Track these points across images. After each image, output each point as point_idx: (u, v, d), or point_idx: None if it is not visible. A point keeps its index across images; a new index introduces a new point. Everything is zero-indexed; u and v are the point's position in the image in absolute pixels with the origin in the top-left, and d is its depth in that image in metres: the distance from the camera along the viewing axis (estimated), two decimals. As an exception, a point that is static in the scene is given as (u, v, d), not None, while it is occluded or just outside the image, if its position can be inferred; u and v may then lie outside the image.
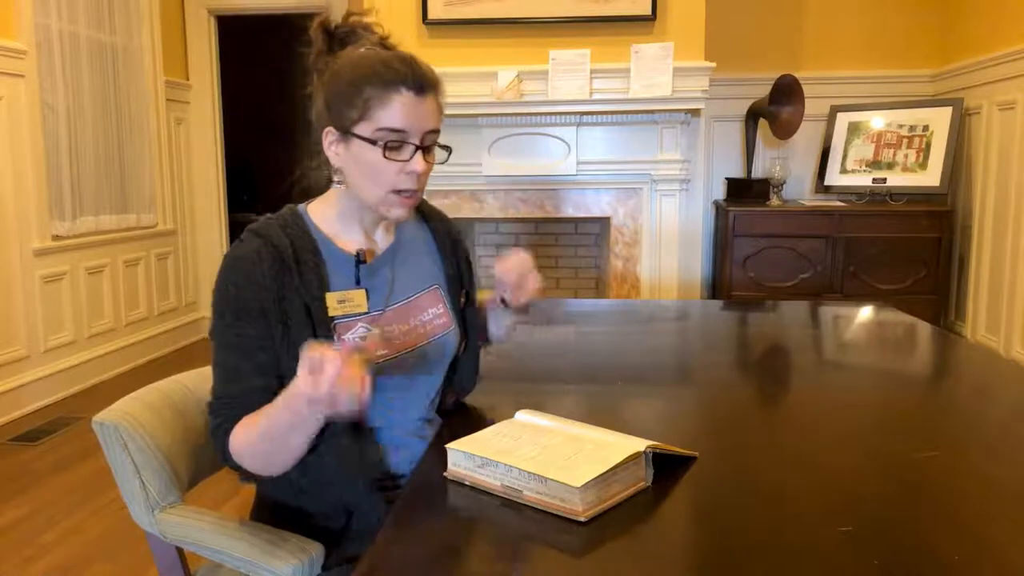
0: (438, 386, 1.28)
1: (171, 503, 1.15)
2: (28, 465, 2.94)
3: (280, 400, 1.00)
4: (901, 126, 4.08)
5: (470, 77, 3.55)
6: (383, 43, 1.20)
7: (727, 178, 4.36)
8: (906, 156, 4.04)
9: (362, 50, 1.17)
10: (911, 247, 3.86)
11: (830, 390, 1.49)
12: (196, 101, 4.88)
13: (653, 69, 3.56)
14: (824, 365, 1.72)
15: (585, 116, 3.68)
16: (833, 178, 4.23)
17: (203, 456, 1.26)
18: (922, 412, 1.37)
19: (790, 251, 3.93)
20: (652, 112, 3.62)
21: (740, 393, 1.51)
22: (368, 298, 1.17)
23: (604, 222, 3.94)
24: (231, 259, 1.13)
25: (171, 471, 1.16)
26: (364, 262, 1.18)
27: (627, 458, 0.95)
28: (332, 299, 1.14)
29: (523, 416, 1.13)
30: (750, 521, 0.91)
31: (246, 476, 1.09)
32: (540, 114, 3.67)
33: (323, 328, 1.12)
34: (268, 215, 1.18)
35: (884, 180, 4.05)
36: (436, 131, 1.15)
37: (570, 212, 3.84)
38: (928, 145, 3.98)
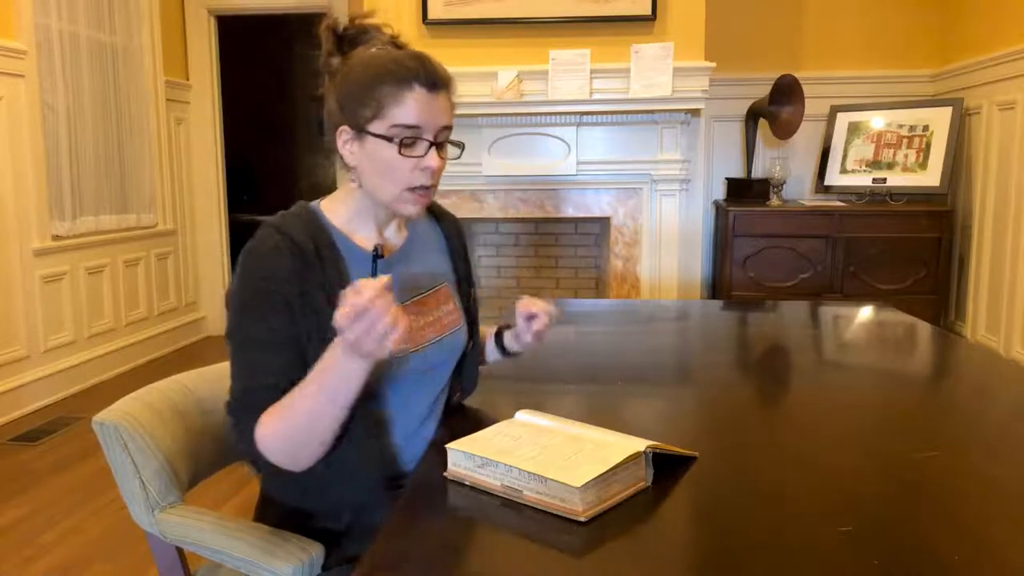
0: (445, 384, 1.29)
1: (171, 503, 1.15)
2: (28, 465, 2.94)
3: (314, 369, 1.01)
4: (901, 126, 4.08)
5: (470, 77, 3.55)
6: (394, 43, 1.21)
7: (727, 178, 4.36)
8: (906, 156, 4.04)
9: (373, 50, 1.18)
10: (911, 247, 3.86)
11: (830, 390, 1.49)
12: (196, 101, 4.88)
13: (653, 69, 3.56)
14: (824, 365, 1.72)
15: (585, 116, 3.68)
16: (833, 178, 4.23)
17: (203, 456, 1.26)
18: (922, 412, 1.37)
19: (790, 251, 3.93)
20: (652, 112, 3.62)
21: (740, 393, 1.51)
22: None
23: (604, 222, 3.94)
24: (252, 253, 1.12)
25: (171, 471, 1.16)
26: (382, 257, 1.19)
27: (627, 458, 0.95)
28: None
29: (523, 416, 1.14)
30: (750, 521, 0.91)
31: (266, 469, 1.07)
32: (540, 114, 3.67)
33: None
34: (282, 211, 1.19)
35: (884, 180, 4.05)
36: (449, 127, 1.16)
37: (570, 212, 3.84)
38: (928, 145, 3.98)
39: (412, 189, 1.14)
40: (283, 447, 1.05)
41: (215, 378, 1.33)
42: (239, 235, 5.15)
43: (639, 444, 0.98)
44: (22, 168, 3.47)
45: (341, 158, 1.19)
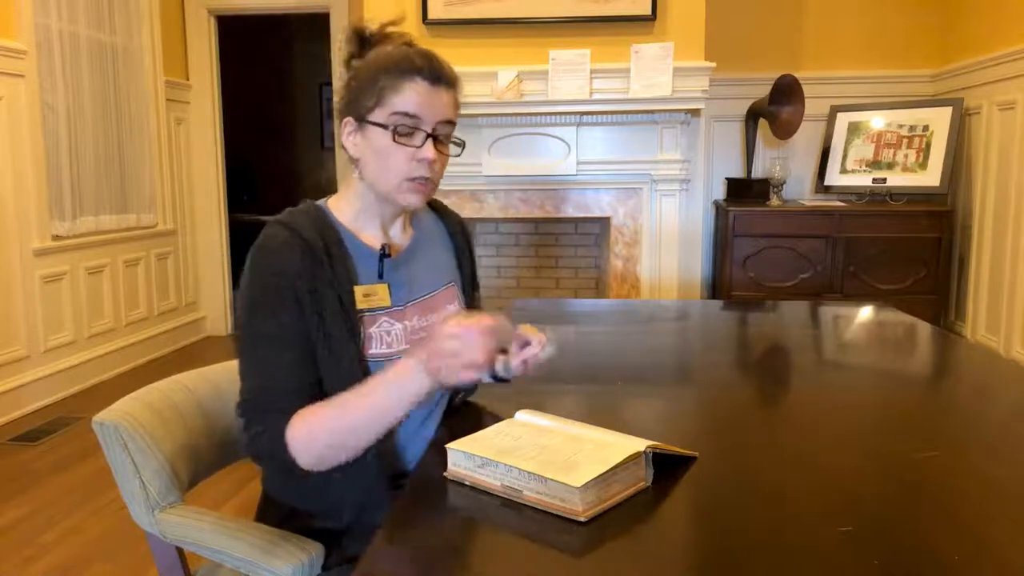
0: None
1: (171, 503, 1.15)
2: (28, 465, 2.94)
3: (370, 383, 1.03)
4: (901, 126, 4.08)
5: (470, 77, 3.55)
6: (408, 44, 1.22)
7: (727, 178, 4.36)
8: (906, 156, 4.04)
9: (388, 48, 1.19)
10: (911, 247, 3.86)
11: (830, 390, 1.49)
12: (196, 101, 4.88)
13: (653, 69, 3.55)
14: (824, 365, 1.72)
15: (585, 116, 3.68)
16: (833, 178, 4.23)
17: (203, 456, 1.26)
18: (922, 412, 1.37)
19: (790, 251, 3.93)
20: (652, 112, 3.62)
21: (740, 393, 1.51)
22: (391, 293, 1.18)
23: (604, 222, 3.94)
24: (262, 250, 1.12)
25: (171, 471, 1.16)
26: (389, 256, 1.19)
27: (627, 458, 0.95)
28: (359, 292, 1.15)
29: (523, 416, 1.14)
30: (750, 521, 0.91)
31: (269, 468, 1.08)
32: (540, 114, 3.67)
33: (350, 320, 1.13)
34: (289, 209, 1.19)
35: (884, 180, 4.05)
36: (451, 123, 1.17)
37: (570, 212, 3.84)
38: (928, 145, 3.98)
39: (411, 180, 1.14)
40: (319, 452, 1.05)
41: (215, 378, 1.33)
42: (239, 235, 5.16)
43: (639, 444, 0.98)
44: (22, 168, 3.47)
45: (345, 150, 1.20)
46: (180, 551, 1.18)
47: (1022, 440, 1.19)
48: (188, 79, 4.85)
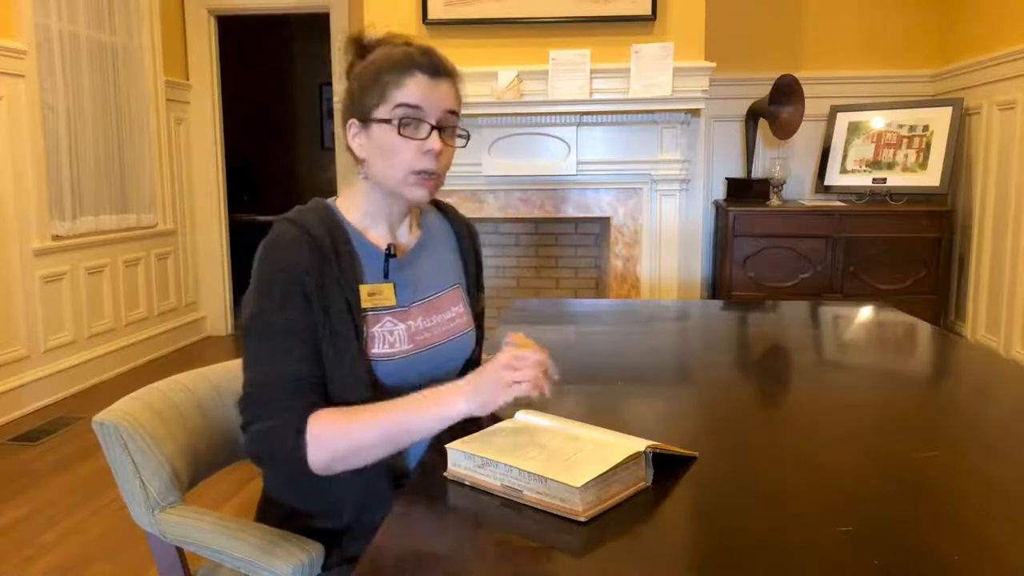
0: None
1: (171, 503, 1.15)
2: (28, 465, 2.94)
3: (407, 400, 1.05)
4: (901, 126, 4.08)
5: (470, 77, 3.50)
6: (407, 43, 1.22)
7: (727, 178, 4.36)
8: (906, 156, 4.04)
9: (387, 48, 1.20)
10: (911, 247, 3.86)
11: (830, 390, 1.49)
12: (196, 101, 4.88)
13: (653, 69, 3.55)
14: (824, 365, 1.71)
15: (585, 116, 3.68)
16: (833, 178, 4.23)
17: (203, 456, 1.26)
18: (922, 412, 1.37)
19: (790, 251, 3.93)
20: (652, 112, 3.62)
21: (740, 393, 1.51)
22: (395, 292, 1.19)
23: (604, 222, 3.94)
24: (271, 246, 1.13)
25: (171, 471, 1.16)
26: (395, 255, 1.20)
27: (627, 458, 0.95)
28: (364, 291, 1.16)
29: (523, 416, 1.14)
30: (750, 521, 0.91)
31: (269, 467, 1.09)
32: (540, 114, 3.67)
33: (355, 318, 1.13)
34: (298, 207, 1.20)
35: (884, 180, 4.05)
36: (455, 113, 1.18)
37: (570, 212, 3.84)
38: (928, 145, 3.98)
39: (417, 173, 1.15)
40: (339, 456, 1.05)
41: (215, 378, 1.33)
42: (239, 235, 5.16)
43: (639, 444, 0.98)
44: (22, 168, 3.47)
45: (352, 153, 1.20)
46: (180, 551, 1.18)
47: (1022, 440, 1.19)
48: (188, 79, 4.85)
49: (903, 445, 1.16)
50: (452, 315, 1.27)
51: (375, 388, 1.14)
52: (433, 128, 1.14)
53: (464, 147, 1.22)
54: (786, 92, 3.97)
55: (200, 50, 4.85)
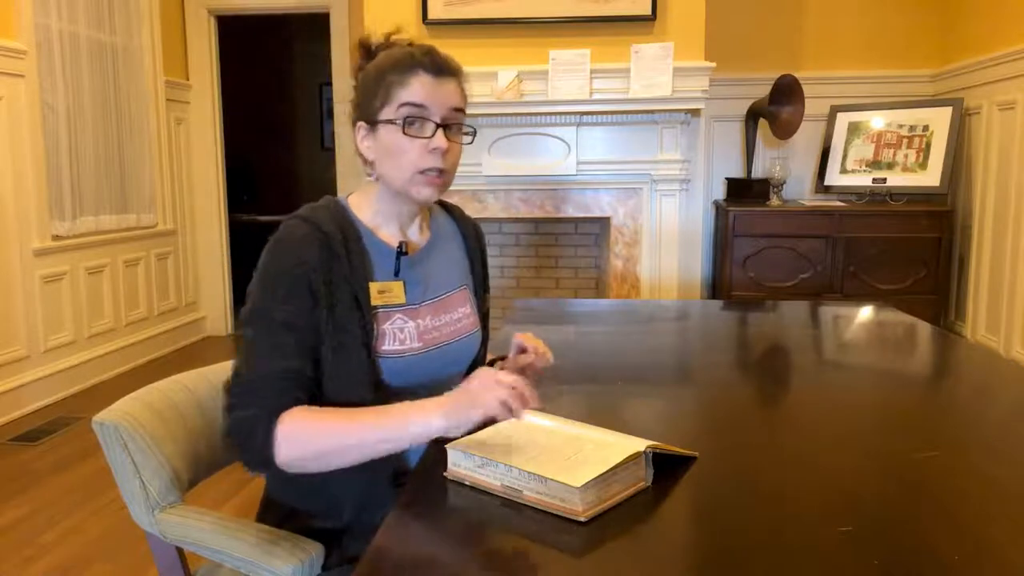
0: (456, 385, 1.29)
1: (171, 503, 1.15)
2: (28, 465, 2.94)
3: (383, 412, 1.04)
4: (901, 126, 4.08)
5: (470, 77, 3.53)
6: (410, 44, 1.23)
7: (727, 178, 4.36)
8: (906, 156, 4.04)
9: (390, 50, 1.21)
10: (911, 247, 3.86)
11: (830, 390, 1.49)
12: (196, 101, 4.88)
13: (653, 69, 3.55)
14: (824, 365, 1.72)
15: (585, 116, 3.67)
16: (833, 178, 4.23)
17: (203, 456, 1.26)
18: (922, 412, 1.37)
19: (790, 251, 3.93)
20: (652, 112, 3.62)
21: (740, 393, 1.51)
22: (405, 291, 1.19)
23: (604, 222, 3.94)
24: (281, 241, 1.13)
25: (171, 471, 1.16)
26: (406, 253, 1.21)
27: (627, 458, 0.95)
28: (374, 288, 1.16)
29: (523, 416, 1.13)
30: (750, 521, 0.91)
31: (248, 456, 1.06)
32: (540, 114, 3.67)
33: (365, 315, 1.13)
34: (310, 204, 1.20)
35: (884, 180, 4.05)
36: (460, 110, 1.18)
37: (570, 212, 3.83)
38: (928, 145, 3.98)
39: (424, 172, 1.15)
40: (306, 455, 1.04)
41: (215, 378, 1.33)
42: (239, 235, 5.16)
43: (639, 444, 0.98)
44: (22, 168, 3.47)
45: (361, 156, 1.21)
46: (180, 551, 1.18)
47: (1022, 440, 1.19)
48: (188, 79, 4.85)
49: (903, 445, 1.16)
50: (460, 315, 1.27)
51: (378, 388, 1.14)
52: (438, 126, 1.14)
53: (471, 143, 1.22)
54: (786, 92, 3.97)
55: (200, 50, 4.85)
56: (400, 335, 1.17)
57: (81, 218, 3.81)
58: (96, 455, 2.59)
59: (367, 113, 1.17)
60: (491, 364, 1.34)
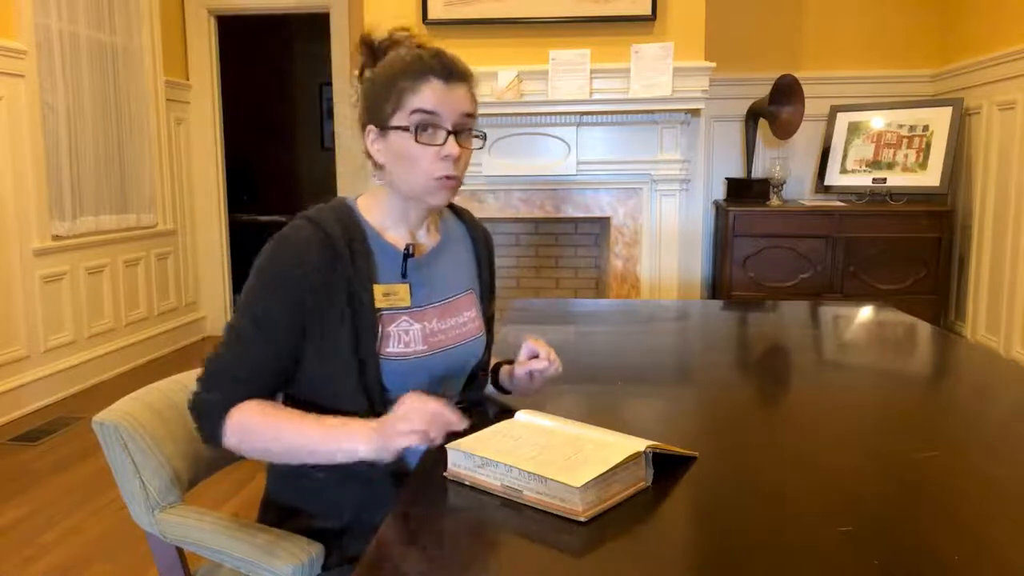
0: (459, 389, 1.30)
1: (171, 503, 1.15)
2: (28, 465, 2.94)
3: (326, 423, 1.06)
4: (901, 126, 4.08)
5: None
6: (418, 46, 1.22)
7: (727, 178, 4.36)
8: (906, 156, 4.04)
9: (400, 52, 1.20)
10: (911, 247, 3.86)
11: (830, 390, 1.49)
12: (196, 101, 4.88)
13: (653, 69, 3.55)
14: (824, 365, 1.72)
15: (585, 116, 3.68)
16: (833, 178, 4.23)
17: (203, 456, 1.26)
18: (922, 412, 1.37)
19: (790, 251, 3.93)
20: (652, 112, 3.62)
21: (740, 393, 1.51)
22: (411, 293, 1.19)
23: (604, 222, 3.94)
24: (283, 241, 1.14)
25: (171, 471, 1.16)
26: (412, 255, 1.20)
27: (627, 458, 0.95)
28: (378, 291, 1.16)
29: (523, 416, 1.14)
30: (750, 521, 0.91)
31: (214, 446, 1.11)
32: (540, 114, 3.67)
33: (365, 317, 1.13)
34: (319, 204, 1.21)
35: (884, 180, 4.05)
36: (471, 116, 1.18)
37: (570, 212, 3.84)
38: (928, 145, 3.98)
39: (437, 179, 1.15)
40: (246, 449, 1.09)
41: (215, 378, 1.33)
42: (239, 235, 5.16)
43: (639, 444, 0.98)
44: (22, 168, 3.47)
45: (370, 158, 1.21)
46: (180, 551, 1.18)
47: (1022, 440, 1.19)
48: (188, 79, 4.85)
49: (903, 445, 1.16)
50: (465, 319, 1.27)
51: (369, 390, 1.14)
52: (450, 133, 1.14)
53: (481, 148, 1.22)
54: (786, 92, 3.97)
55: (200, 50, 4.85)
56: (405, 337, 1.17)
57: (81, 218, 3.81)
58: (96, 455, 2.59)
59: (378, 118, 1.17)
60: (496, 368, 1.34)
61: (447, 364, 1.23)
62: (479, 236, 1.36)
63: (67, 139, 3.68)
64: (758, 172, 4.31)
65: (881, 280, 3.89)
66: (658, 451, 0.99)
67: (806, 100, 3.95)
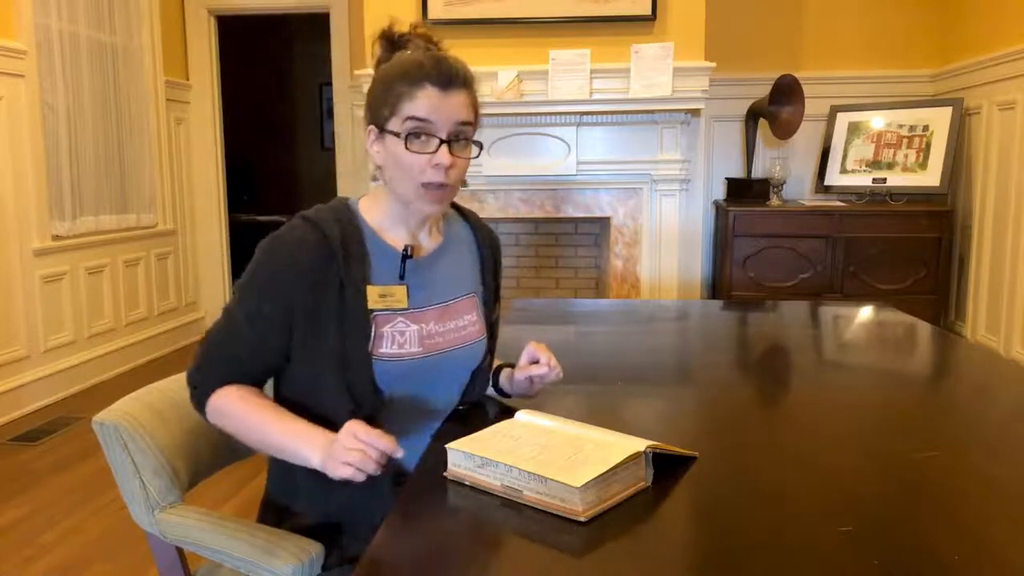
0: (459, 392, 1.29)
1: (171, 503, 1.15)
2: (28, 465, 2.94)
3: (301, 428, 1.09)
4: (901, 126, 4.08)
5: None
6: (428, 47, 1.22)
7: (727, 178, 4.36)
8: (906, 156, 4.04)
9: (407, 53, 1.20)
10: (911, 247, 3.86)
11: (830, 390, 1.49)
12: (196, 101, 4.88)
13: (653, 69, 3.55)
14: (824, 365, 1.72)
15: (585, 116, 3.68)
16: (833, 178, 4.23)
17: (203, 456, 1.26)
18: (922, 412, 1.37)
19: (790, 251, 3.93)
20: (652, 112, 3.62)
21: (740, 393, 1.51)
22: (409, 295, 1.19)
23: (604, 222, 3.94)
24: (276, 240, 1.16)
25: (171, 471, 1.16)
26: (411, 257, 1.20)
27: (627, 458, 0.95)
28: (374, 292, 1.16)
29: (523, 416, 1.14)
30: (750, 521, 0.91)
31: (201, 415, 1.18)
32: (540, 114, 3.67)
33: (356, 318, 1.14)
34: (319, 204, 1.21)
35: (884, 180, 4.05)
36: (468, 124, 1.16)
37: (570, 212, 3.84)
38: (928, 145, 3.98)
39: (426, 186, 1.15)
40: (224, 430, 1.16)
41: (215, 378, 1.33)
42: (239, 235, 5.16)
43: (639, 444, 0.98)
44: (22, 168, 3.47)
45: (371, 158, 1.22)
46: (180, 551, 1.18)
47: (1022, 440, 1.19)
48: (188, 79, 4.85)
49: (903, 445, 1.16)
50: (465, 322, 1.26)
51: (352, 390, 1.13)
52: (443, 142, 1.13)
53: (477, 157, 1.21)
54: (786, 92, 3.97)
55: (200, 50, 4.85)
56: (400, 338, 1.17)
57: (81, 218, 3.81)
58: (96, 455, 2.59)
59: (376, 119, 1.17)
60: (498, 371, 1.34)
61: (445, 367, 1.23)
62: (484, 240, 1.35)
63: (67, 139, 3.68)
64: (758, 172, 4.31)
65: (881, 280, 3.89)
66: (658, 451, 0.99)
67: (806, 100, 3.95)
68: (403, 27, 1.23)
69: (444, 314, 1.24)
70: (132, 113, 4.18)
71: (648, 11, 3.64)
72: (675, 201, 3.74)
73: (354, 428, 1.00)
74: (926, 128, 4.00)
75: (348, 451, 0.98)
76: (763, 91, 4.07)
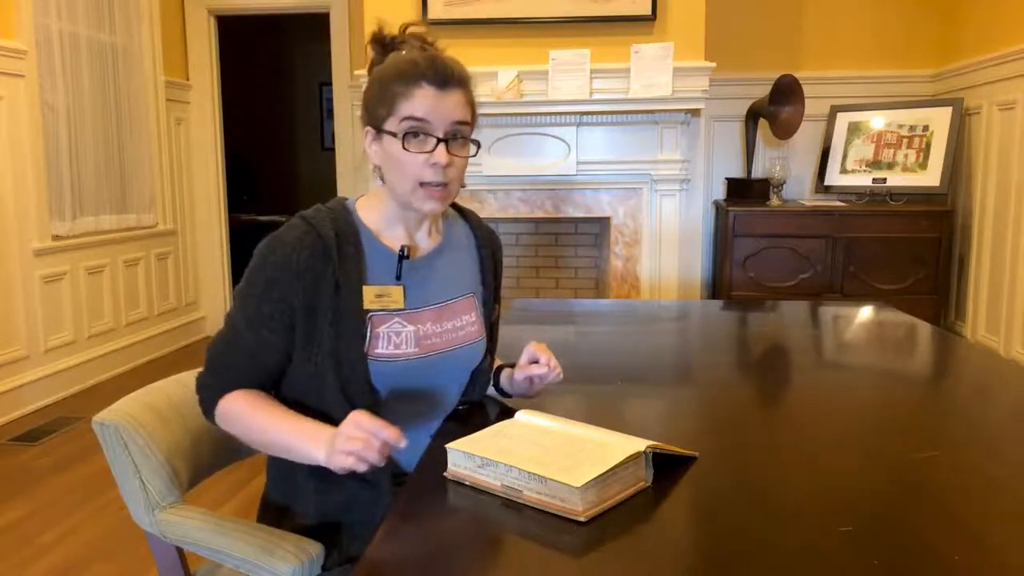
0: (457, 392, 1.29)
1: (171, 503, 1.15)
2: (28, 465, 2.94)
3: (305, 425, 1.08)
4: (901, 126, 4.08)
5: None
6: (423, 47, 1.22)
7: (727, 178, 4.36)
8: (906, 156, 4.04)
9: (402, 53, 1.20)
10: (911, 247, 3.86)
11: (830, 390, 1.49)
12: (196, 101, 4.88)
13: (653, 69, 3.55)
14: (824, 365, 1.72)
15: (585, 116, 3.68)
16: (833, 178, 4.23)
17: (203, 456, 1.26)
18: (922, 412, 1.37)
19: (790, 251, 3.93)
20: (652, 112, 3.62)
21: (740, 393, 1.51)
22: (405, 295, 1.19)
23: (604, 222, 3.94)
24: (274, 240, 1.16)
25: (171, 471, 1.16)
26: (407, 257, 1.20)
27: (627, 458, 0.95)
28: (370, 292, 1.16)
29: (523, 416, 1.14)
30: (750, 521, 0.91)
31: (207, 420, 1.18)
32: (540, 114, 3.67)
33: (352, 318, 1.14)
34: (318, 204, 1.22)
35: (884, 180, 4.05)
36: (465, 123, 1.16)
37: (570, 212, 3.84)
38: (928, 145, 3.98)
39: (424, 185, 1.14)
40: (232, 433, 1.16)
41: (215, 378, 1.33)
42: (239, 235, 5.16)
43: (639, 444, 0.98)
44: (22, 168, 3.47)
45: (369, 158, 1.22)
46: (180, 551, 1.18)
47: (1022, 440, 1.19)
48: (188, 79, 4.85)
49: (903, 445, 1.16)
50: (463, 323, 1.26)
51: (346, 391, 1.14)
52: (440, 140, 1.13)
53: (475, 156, 1.20)
54: (786, 92, 3.97)
55: (200, 50, 4.85)
56: (396, 339, 1.17)
57: (81, 218, 3.81)
58: (96, 455, 2.59)
59: (373, 119, 1.17)
60: (499, 371, 1.33)
61: (442, 367, 1.23)
62: (484, 240, 1.35)
63: (67, 139, 3.68)
64: (758, 172, 4.31)
65: (881, 280, 3.89)
66: (658, 451, 0.99)
67: (806, 100, 3.96)
68: (393, 29, 1.23)
69: (442, 314, 1.24)
70: (132, 113, 4.18)
71: (648, 11, 3.64)
72: (675, 201, 3.74)
73: (358, 418, 1.00)
74: (926, 128, 4.00)
75: (350, 439, 0.97)
76: (763, 91, 4.07)
